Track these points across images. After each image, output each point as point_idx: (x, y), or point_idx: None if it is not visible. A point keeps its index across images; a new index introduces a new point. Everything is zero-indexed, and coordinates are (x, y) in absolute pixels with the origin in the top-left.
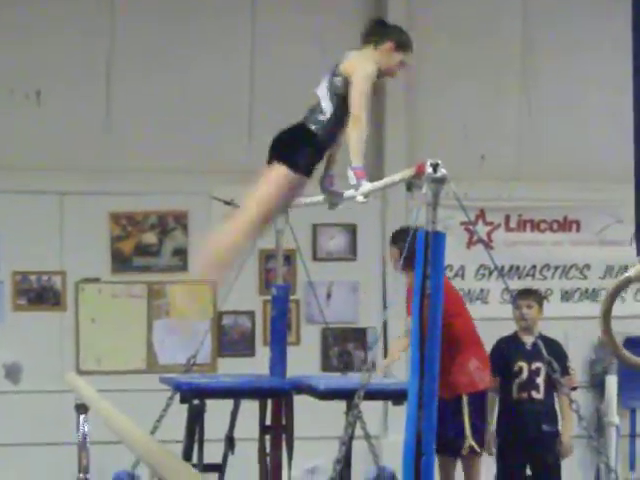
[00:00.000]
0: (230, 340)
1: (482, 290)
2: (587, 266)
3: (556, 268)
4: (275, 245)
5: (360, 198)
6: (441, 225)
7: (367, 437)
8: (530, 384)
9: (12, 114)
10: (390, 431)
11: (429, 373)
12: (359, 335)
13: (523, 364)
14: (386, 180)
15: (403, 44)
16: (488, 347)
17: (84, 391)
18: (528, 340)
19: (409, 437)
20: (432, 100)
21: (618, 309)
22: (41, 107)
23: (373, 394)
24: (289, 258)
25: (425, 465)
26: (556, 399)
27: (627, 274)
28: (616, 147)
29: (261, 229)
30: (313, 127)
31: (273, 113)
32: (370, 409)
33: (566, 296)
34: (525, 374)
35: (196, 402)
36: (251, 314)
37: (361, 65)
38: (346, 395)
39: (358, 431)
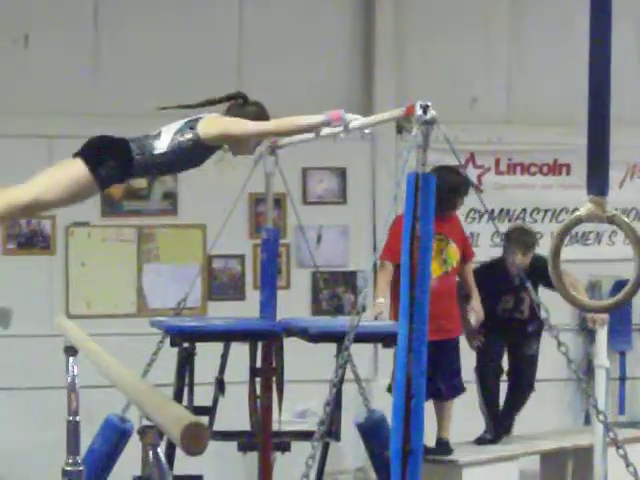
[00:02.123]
0: (220, 284)
1: (472, 233)
2: (577, 210)
3: (546, 211)
4: (265, 189)
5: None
6: (431, 169)
7: (357, 380)
8: (515, 310)
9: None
10: (380, 374)
11: (418, 316)
12: (349, 278)
13: (509, 297)
14: (375, 117)
15: None
16: None
17: (73, 333)
18: (515, 272)
19: (399, 380)
20: (422, 43)
21: (609, 253)
22: (29, 51)
23: (363, 337)
24: (279, 202)
25: (415, 408)
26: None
27: (577, 213)
28: None
29: (24, 212)
30: (135, 153)
31: (261, 64)
32: (360, 352)
33: None
34: (511, 303)
35: (186, 345)
36: (241, 258)
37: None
38: (336, 338)
39: (349, 374)
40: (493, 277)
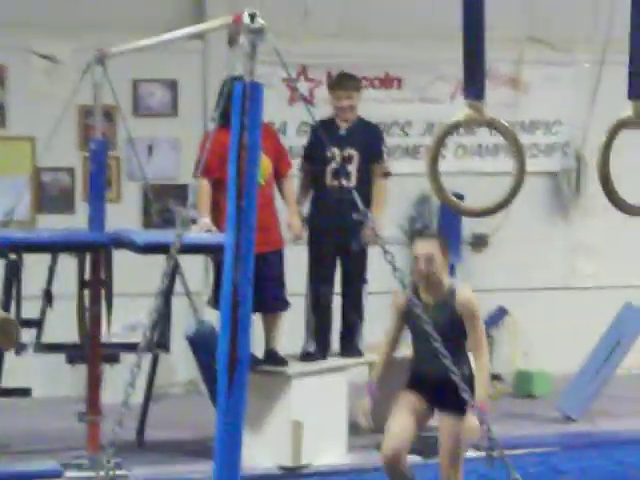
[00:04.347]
0: (49, 196)
1: (304, 146)
2: (408, 123)
3: None
4: (94, 100)
5: None
6: (263, 81)
7: (187, 292)
8: (342, 171)
9: None
10: (211, 287)
11: (245, 226)
12: (180, 191)
13: (335, 150)
14: (204, 25)
15: None
16: None
17: None
18: (343, 125)
19: (226, 289)
20: None
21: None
22: None
23: (191, 248)
24: (109, 114)
25: (241, 316)
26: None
27: (455, 118)
28: (439, 5)
29: None
30: None
31: None
32: (191, 266)
33: (387, 153)
34: (337, 161)
35: (13, 257)
36: (71, 170)
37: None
38: (164, 249)
39: (180, 287)
40: (323, 128)
